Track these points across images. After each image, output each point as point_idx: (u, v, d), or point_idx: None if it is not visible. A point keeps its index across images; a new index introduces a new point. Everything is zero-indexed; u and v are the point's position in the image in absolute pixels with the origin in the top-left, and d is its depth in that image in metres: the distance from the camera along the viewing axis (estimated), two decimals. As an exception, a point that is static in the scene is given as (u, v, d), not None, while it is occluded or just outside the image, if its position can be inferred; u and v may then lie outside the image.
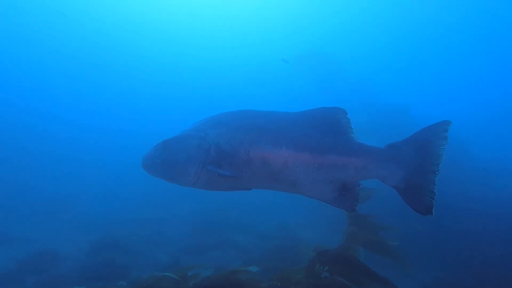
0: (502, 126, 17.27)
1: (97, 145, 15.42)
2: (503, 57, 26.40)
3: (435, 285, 4.25)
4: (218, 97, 25.71)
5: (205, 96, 26.16)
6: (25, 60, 25.33)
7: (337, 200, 1.58)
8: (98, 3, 25.91)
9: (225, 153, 1.60)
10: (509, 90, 24.82)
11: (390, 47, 28.31)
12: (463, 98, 26.88)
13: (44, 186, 9.25)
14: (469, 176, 6.27)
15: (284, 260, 4.63)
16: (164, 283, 2.28)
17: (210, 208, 8.30)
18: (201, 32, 29.97)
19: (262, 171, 1.59)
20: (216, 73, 28.73)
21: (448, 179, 5.73)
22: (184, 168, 1.63)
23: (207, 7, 27.94)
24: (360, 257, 2.33)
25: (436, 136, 1.49)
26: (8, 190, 8.70)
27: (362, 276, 2.26)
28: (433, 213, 1.44)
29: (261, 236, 7.46)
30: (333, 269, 2.26)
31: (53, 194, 8.65)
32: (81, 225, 6.92)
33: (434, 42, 27.34)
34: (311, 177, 1.56)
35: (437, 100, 26.88)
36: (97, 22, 26.84)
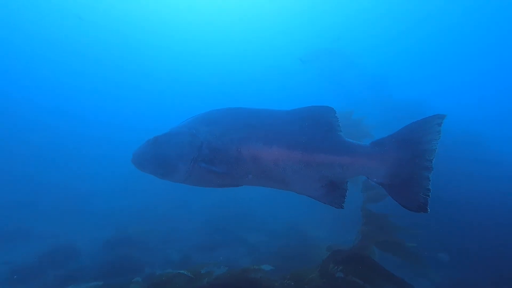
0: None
1: (111, 143, 15.80)
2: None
3: (451, 285, 4.13)
4: (230, 95, 25.79)
5: (218, 94, 26.29)
6: (46, 61, 26.24)
7: (326, 197, 1.61)
8: (107, 8, 26.40)
9: (217, 151, 1.62)
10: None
11: (406, 40, 27.33)
12: (486, 91, 25.81)
13: (62, 183, 9.56)
14: (489, 173, 6.03)
15: (296, 259, 4.60)
16: (178, 280, 2.31)
17: (219, 206, 8.37)
18: (211, 30, 29.94)
19: (253, 168, 1.62)
20: (227, 70, 28.77)
21: (466, 176, 5.55)
22: (176, 164, 1.64)
23: (215, 3, 27.84)
24: (375, 257, 2.28)
25: (427, 131, 1.44)
26: (28, 188, 9.05)
27: (377, 276, 2.22)
28: (428, 210, 1.39)
29: (270, 234, 7.46)
30: (347, 269, 2.22)
31: (70, 191, 8.94)
32: (97, 221, 7.12)
33: (453, 33, 26.17)
34: (300, 174, 1.59)
35: (457, 94, 25.96)
36: (110, 23, 27.35)
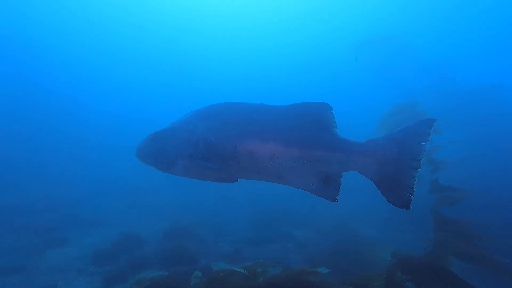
0: None
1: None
2: None
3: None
4: (277, 85, 25.60)
5: (268, 84, 26.31)
6: (111, 67, 29.56)
7: (321, 191, 1.65)
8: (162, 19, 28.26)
9: (213, 147, 1.65)
10: None
11: (469, 14, 23.20)
12: None
13: (122, 179, 10.70)
14: None
15: (352, 260, 4.37)
16: (235, 278, 2.36)
17: (263, 200, 8.42)
18: (261, 19, 29.63)
19: (249, 164, 1.64)
20: (275, 60, 28.49)
21: None
22: (174, 160, 1.69)
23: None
24: (452, 269, 2.00)
25: (418, 133, 1.52)
26: (99, 182, 10.37)
27: (455, 290, 1.94)
28: (411, 207, 1.47)
29: (317, 231, 7.26)
30: (418, 279, 1.99)
31: (129, 186, 9.96)
32: (153, 213, 7.81)
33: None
34: (297, 170, 1.62)
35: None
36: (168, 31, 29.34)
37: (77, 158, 13.68)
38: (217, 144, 1.65)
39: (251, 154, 1.62)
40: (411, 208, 1.47)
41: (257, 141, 1.62)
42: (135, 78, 30.55)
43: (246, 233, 6.74)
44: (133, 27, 27.50)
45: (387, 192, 1.56)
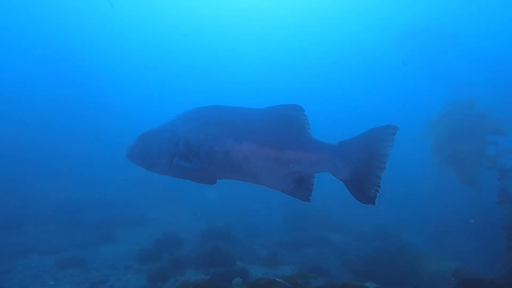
0: None
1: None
2: None
3: None
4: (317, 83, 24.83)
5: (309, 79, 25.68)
6: (155, 74, 31.36)
7: (294, 191, 1.71)
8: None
9: (192, 147, 1.74)
10: None
11: None
12: None
13: (157, 178, 11.23)
14: None
15: (397, 270, 4.06)
16: (275, 287, 2.31)
17: (297, 203, 8.21)
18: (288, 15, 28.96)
19: (225, 163, 1.71)
20: (309, 58, 27.78)
21: None
22: (157, 159, 1.79)
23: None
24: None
25: (383, 138, 1.60)
26: (138, 181, 11.03)
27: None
28: (376, 203, 1.58)
29: (355, 235, 6.94)
30: (487, 306, 1.75)
31: (169, 184, 10.42)
32: (192, 213, 8.11)
33: None
34: (270, 170, 1.68)
35: None
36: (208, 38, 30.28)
37: (116, 160, 14.70)
38: (195, 144, 1.74)
39: (226, 154, 1.70)
40: (376, 203, 1.58)
41: (232, 141, 1.70)
42: (164, 80, 31.90)
43: (280, 235, 6.67)
44: (177, 34, 28.55)
45: (356, 190, 1.64)
